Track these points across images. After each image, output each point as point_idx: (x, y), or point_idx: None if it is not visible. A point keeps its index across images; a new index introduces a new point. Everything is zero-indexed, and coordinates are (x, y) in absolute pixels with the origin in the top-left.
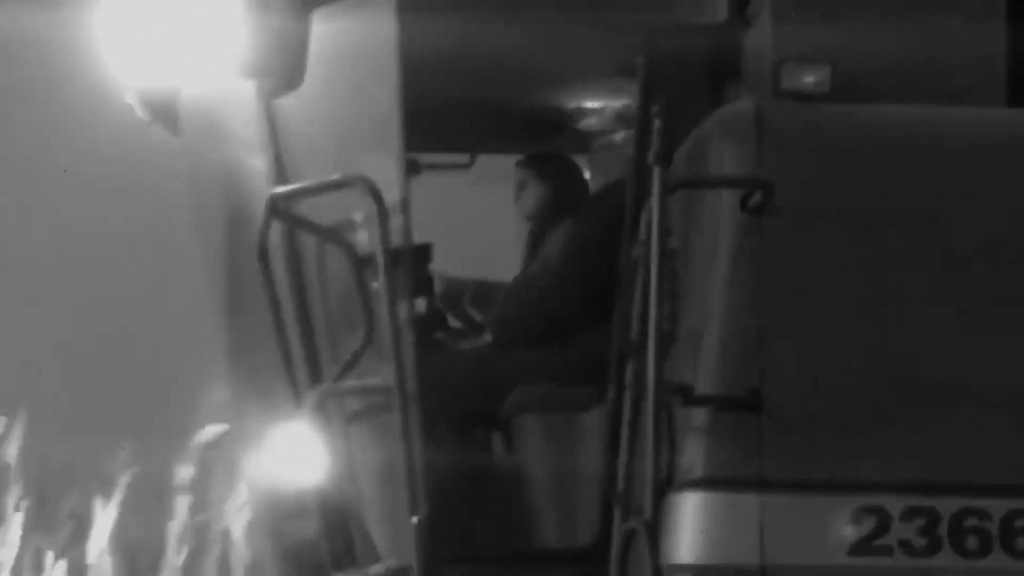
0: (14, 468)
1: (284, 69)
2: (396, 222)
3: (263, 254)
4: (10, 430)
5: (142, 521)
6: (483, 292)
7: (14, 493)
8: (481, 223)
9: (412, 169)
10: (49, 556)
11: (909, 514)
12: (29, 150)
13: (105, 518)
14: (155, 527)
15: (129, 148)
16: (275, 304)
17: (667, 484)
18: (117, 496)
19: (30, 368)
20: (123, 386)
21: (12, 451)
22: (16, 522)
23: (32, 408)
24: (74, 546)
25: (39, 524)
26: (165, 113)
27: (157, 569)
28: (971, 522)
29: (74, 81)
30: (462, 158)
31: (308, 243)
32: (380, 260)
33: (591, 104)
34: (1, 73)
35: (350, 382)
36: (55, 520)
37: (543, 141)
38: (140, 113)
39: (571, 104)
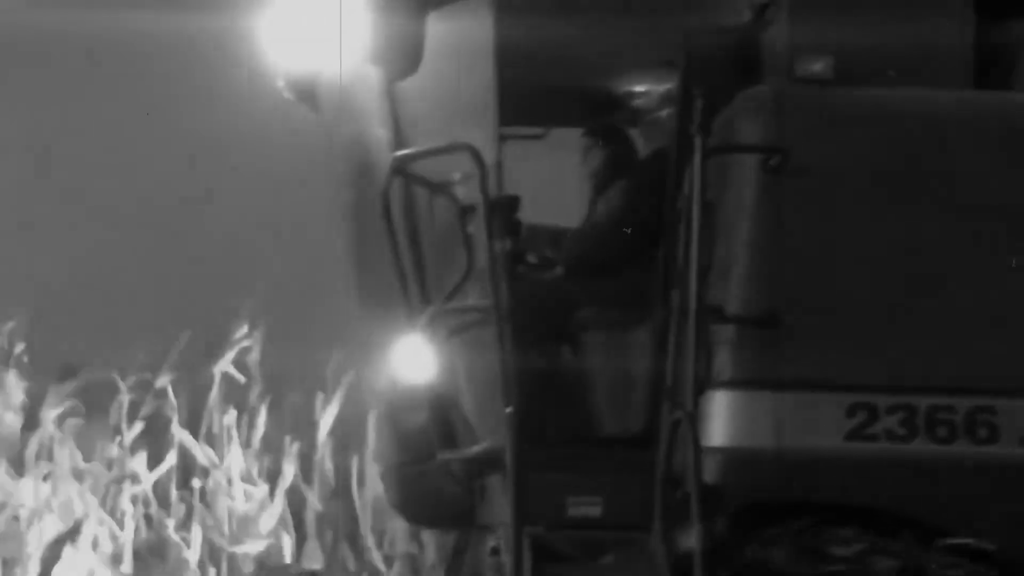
0: (257, 370)
1: (404, 58)
2: (492, 179)
3: (386, 205)
4: (252, 339)
5: (354, 414)
6: (557, 236)
7: (256, 390)
8: (555, 181)
9: (502, 139)
10: (286, 439)
11: (892, 409)
12: (201, 126)
13: (326, 412)
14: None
15: (280, 121)
16: (395, 245)
17: (704, 384)
18: (336, 394)
19: (271, 289)
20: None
21: (255, 357)
22: (261, 413)
23: (271, 321)
24: (302, 435)
25: (275, 416)
26: (308, 94)
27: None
28: (942, 415)
29: (239, 70)
30: (538, 130)
31: (421, 196)
32: (481, 209)
33: (641, 87)
34: (181, 65)
35: (454, 303)
36: (287, 411)
37: (603, 116)
38: (288, 94)
39: (626, 87)
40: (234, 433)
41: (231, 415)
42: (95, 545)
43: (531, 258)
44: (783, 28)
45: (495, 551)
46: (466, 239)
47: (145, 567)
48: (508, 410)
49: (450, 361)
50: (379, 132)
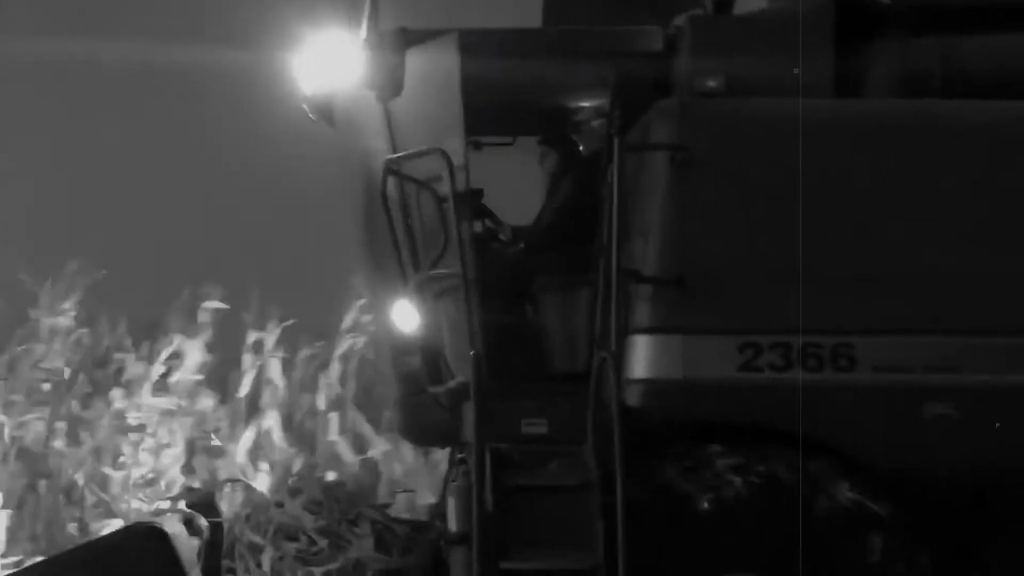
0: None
1: (391, 85)
2: (460, 177)
3: (384, 197)
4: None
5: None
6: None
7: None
8: (521, 177)
9: (476, 146)
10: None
11: (773, 346)
12: (245, 138)
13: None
14: None
15: (304, 136)
16: (391, 228)
17: (624, 331)
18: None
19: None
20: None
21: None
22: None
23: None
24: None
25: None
26: (325, 113)
27: None
28: (811, 350)
29: (271, 98)
30: (506, 140)
31: (410, 190)
32: (451, 199)
33: (581, 104)
34: (232, 91)
35: (435, 272)
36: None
37: (552, 128)
38: (311, 114)
39: (569, 105)
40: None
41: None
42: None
43: (503, 236)
44: (686, 55)
45: (463, 461)
46: (444, 222)
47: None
48: (472, 352)
49: (434, 316)
50: (375, 142)
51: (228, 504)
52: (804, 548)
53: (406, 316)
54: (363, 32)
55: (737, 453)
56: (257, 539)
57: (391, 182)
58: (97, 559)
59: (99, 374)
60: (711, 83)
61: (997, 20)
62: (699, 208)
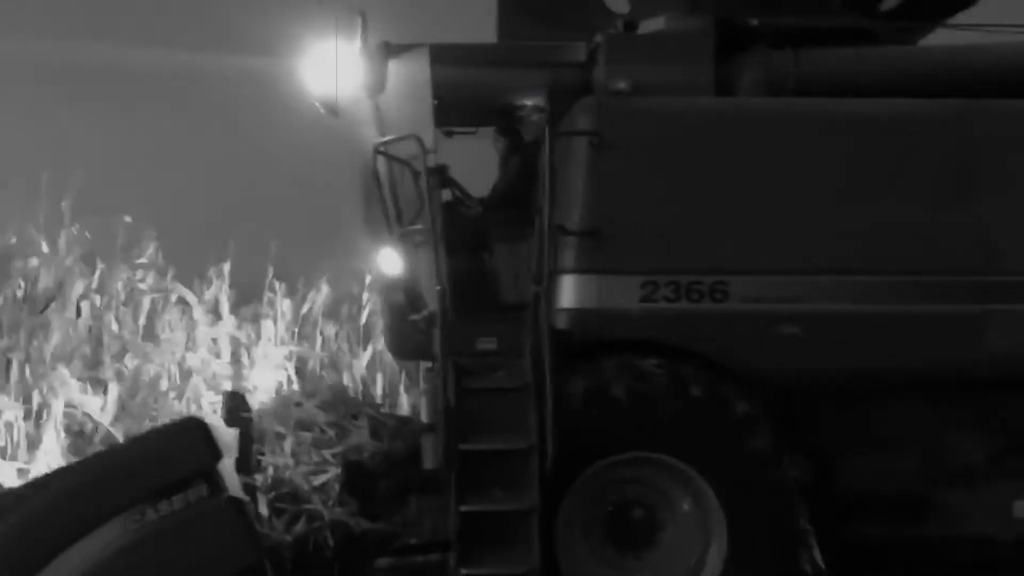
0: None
1: (378, 86)
2: (431, 156)
3: (375, 171)
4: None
5: None
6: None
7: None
8: (481, 158)
9: (447, 134)
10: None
11: (667, 283)
12: (266, 129)
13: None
14: None
15: (315, 128)
16: (381, 195)
17: (553, 272)
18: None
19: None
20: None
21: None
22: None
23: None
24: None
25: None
26: (333, 108)
27: None
28: (695, 286)
29: (289, 95)
30: (471, 129)
31: (394, 166)
32: (424, 173)
33: (524, 102)
34: (253, 90)
35: (413, 228)
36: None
37: (504, 120)
38: (320, 108)
39: (515, 102)
40: None
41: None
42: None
43: (468, 203)
44: (603, 64)
45: (430, 370)
46: (418, 191)
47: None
48: (437, 288)
49: (413, 261)
50: (369, 130)
51: (257, 403)
52: (684, 430)
53: (392, 262)
54: (357, 44)
55: (640, 361)
56: (280, 429)
57: (380, 160)
58: (147, 447)
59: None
60: (621, 85)
61: (837, 37)
62: (610, 178)
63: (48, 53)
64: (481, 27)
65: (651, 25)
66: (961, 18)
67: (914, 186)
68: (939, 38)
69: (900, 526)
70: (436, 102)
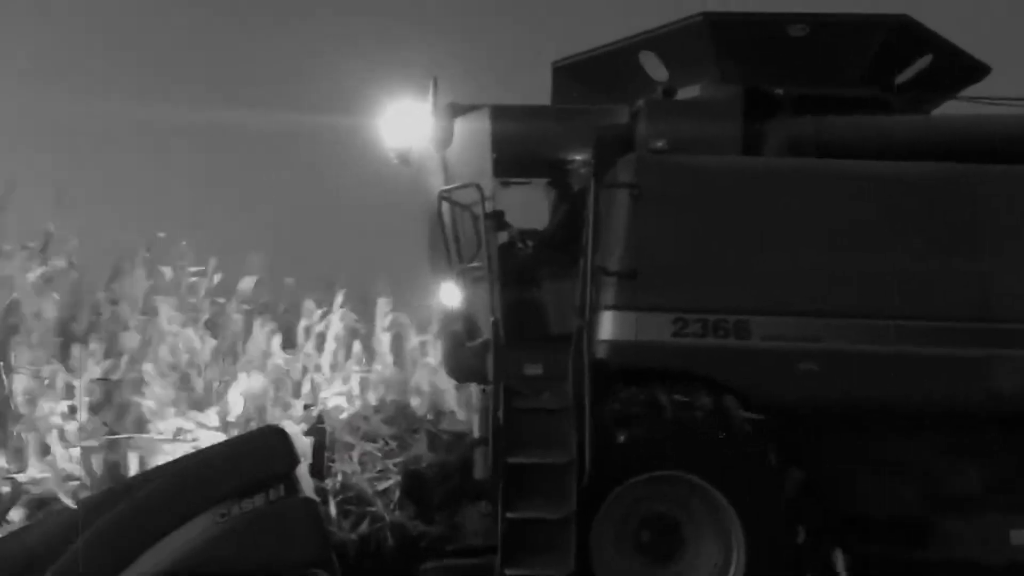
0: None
1: (444, 140)
2: (489, 202)
3: (439, 214)
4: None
5: None
6: (537, 232)
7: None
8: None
9: (505, 184)
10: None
11: (696, 320)
12: (348, 178)
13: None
14: None
15: (390, 177)
16: (444, 236)
17: (597, 307)
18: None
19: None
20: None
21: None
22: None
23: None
24: None
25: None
26: (406, 158)
27: None
28: (721, 323)
29: (366, 149)
30: (526, 180)
31: (457, 211)
32: (482, 217)
33: (574, 157)
34: (337, 144)
35: (472, 265)
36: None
37: (556, 172)
38: (394, 158)
39: (566, 157)
40: None
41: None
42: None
43: (521, 246)
44: (643, 125)
45: (484, 392)
46: (477, 232)
47: None
48: (491, 319)
49: (471, 294)
50: (436, 178)
51: (330, 418)
52: (715, 452)
53: (452, 295)
54: (428, 104)
55: (670, 389)
56: (350, 440)
57: (444, 205)
58: (234, 450)
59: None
60: (659, 144)
61: (854, 106)
62: (647, 226)
63: (151, 113)
64: (537, 91)
65: (687, 92)
66: (970, 91)
67: (922, 239)
68: (949, 108)
69: (900, 547)
70: (495, 155)
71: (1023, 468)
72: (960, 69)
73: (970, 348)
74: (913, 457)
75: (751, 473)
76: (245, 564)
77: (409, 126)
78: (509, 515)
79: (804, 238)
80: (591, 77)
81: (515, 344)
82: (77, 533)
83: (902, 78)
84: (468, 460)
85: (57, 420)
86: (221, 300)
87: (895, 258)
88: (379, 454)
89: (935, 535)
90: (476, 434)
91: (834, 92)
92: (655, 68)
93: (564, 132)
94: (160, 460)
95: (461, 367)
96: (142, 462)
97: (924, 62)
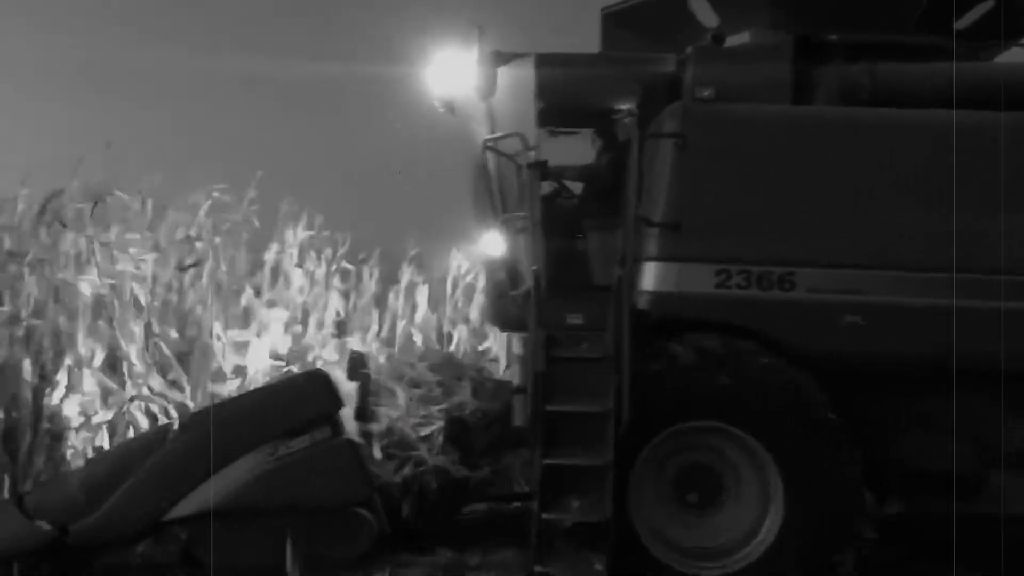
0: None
1: (489, 89)
2: (533, 152)
3: (483, 166)
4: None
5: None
6: (580, 170)
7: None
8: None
9: (552, 133)
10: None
11: (739, 272)
12: (395, 127)
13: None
14: None
15: (436, 125)
16: (488, 184)
17: (640, 257)
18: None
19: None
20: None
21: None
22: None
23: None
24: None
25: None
26: (450, 107)
27: None
28: (764, 275)
29: (415, 96)
30: (573, 130)
31: (502, 160)
32: (525, 166)
33: (619, 106)
34: (387, 93)
35: (515, 214)
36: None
37: (601, 121)
38: (440, 107)
39: (611, 106)
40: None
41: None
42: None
43: (566, 195)
44: (690, 74)
45: (524, 340)
46: (520, 181)
47: None
48: (533, 268)
49: (514, 244)
50: (481, 127)
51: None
52: (744, 402)
53: (496, 244)
54: (473, 52)
55: (710, 340)
56: (394, 386)
57: (488, 155)
58: (280, 393)
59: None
60: (705, 93)
61: (906, 52)
62: (691, 176)
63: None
64: (586, 40)
65: (738, 39)
66: None
67: (975, 192)
68: (1013, 56)
69: (951, 502)
70: (540, 104)
71: None
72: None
73: (1019, 301)
74: (962, 413)
75: (793, 423)
76: (292, 501)
77: (454, 75)
78: (547, 461)
79: (851, 189)
80: (641, 24)
81: (557, 293)
82: (131, 469)
83: (962, 23)
84: (510, 407)
85: None
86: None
87: (946, 211)
88: (423, 400)
89: (986, 490)
90: (516, 382)
91: (889, 38)
92: (705, 14)
93: (610, 81)
94: None
95: (504, 316)
96: None
97: (986, 6)
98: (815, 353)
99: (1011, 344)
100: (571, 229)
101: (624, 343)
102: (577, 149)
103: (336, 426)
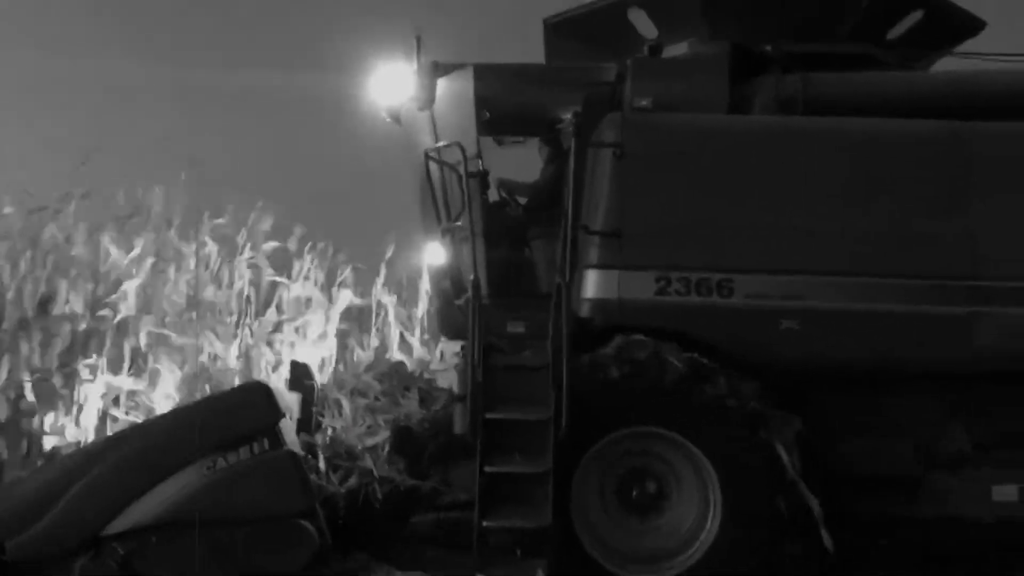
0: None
1: (428, 99)
2: (473, 161)
3: (427, 173)
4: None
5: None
6: (525, 186)
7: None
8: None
9: (498, 143)
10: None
11: (679, 279)
12: (338, 136)
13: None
14: None
15: (381, 132)
16: (432, 193)
17: (578, 266)
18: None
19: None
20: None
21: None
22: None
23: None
24: None
25: None
26: (394, 117)
27: None
28: (703, 282)
29: (359, 106)
30: (519, 139)
31: (444, 169)
32: (464, 175)
33: (561, 115)
34: (330, 103)
35: (456, 224)
36: None
37: (544, 131)
38: (386, 116)
39: (553, 116)
40: None
41: None
42: None
43: (511, 206)
44: (629, 84)
45: (464, 348)
46: (463, 190)
47: None
48: (471, 277)
49: (458, 252)
50: (424, 137)
51: (320, 373)
52: (675, 405)
53: (440, 253)
54: (412, 63)
55: (648, 346)
56: (339, 396)
57: (431, 164)
58: (219, 405)
59: None
60: (643, 103)
61: (841, 62)
62: (630, 185)
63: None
64: (532, 49)
65: (675, 50)
66: (964, 47)
67: (909, 198)
68: (943, 65)
69: (893, 505)
70: (479, 115)
71: (1007, 426)
72: (954, 24)
73: (956, 306)
74: (902, 416)
75: (723, 422)
76: (232, 514)
77: (396, 86)
78: (487, 469)
79: (787, 197)
80: (583, 34)
81: (499, 302)
82: (69, 483)
83: (894, 33)
84: (451, 416)
85: None
86: None
87: (881, 216)
88: (369, 409)
89: (925, 492)
90: (455, 390)
91: (823, 48)
92: (645, 25)
93: (549, 92)
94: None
95: (450, 324)
96: None
97: (916, 17)
98: (755, 359)
99: (947, 348)
100: (518, 238)
101: (563, 351)
102: (525, 158)
103: (276, 437)
